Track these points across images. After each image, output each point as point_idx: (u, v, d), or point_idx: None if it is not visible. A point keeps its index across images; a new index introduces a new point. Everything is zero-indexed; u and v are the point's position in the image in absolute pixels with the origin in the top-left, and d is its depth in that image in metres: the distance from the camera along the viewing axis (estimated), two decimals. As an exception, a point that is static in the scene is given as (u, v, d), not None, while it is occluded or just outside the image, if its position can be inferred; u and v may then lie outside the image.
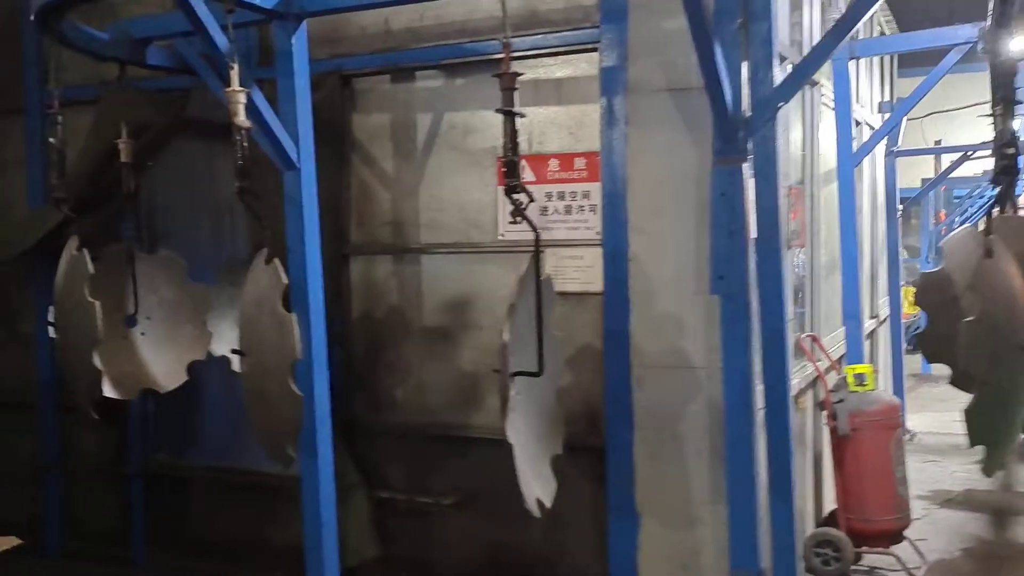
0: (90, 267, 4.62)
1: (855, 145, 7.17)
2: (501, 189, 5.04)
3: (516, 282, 4.04)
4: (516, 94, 4.07)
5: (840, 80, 6.87)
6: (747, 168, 3.94)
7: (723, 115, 3.78)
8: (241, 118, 4.14)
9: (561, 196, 4.98)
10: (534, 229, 4.12)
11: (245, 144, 4.18)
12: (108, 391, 4.80)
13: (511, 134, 4.07)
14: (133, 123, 5.76)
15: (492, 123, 5.11)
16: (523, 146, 4.98)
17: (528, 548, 5.17)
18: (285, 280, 4.29)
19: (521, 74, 4.13)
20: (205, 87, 5.00)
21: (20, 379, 6.70)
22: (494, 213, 5.15)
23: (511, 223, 4.98)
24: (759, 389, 4.12)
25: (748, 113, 3.92)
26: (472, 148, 5.20)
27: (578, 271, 4.92)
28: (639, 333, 4.71)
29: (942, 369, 4.53)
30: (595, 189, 4.90)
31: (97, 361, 4.50)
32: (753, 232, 4.04)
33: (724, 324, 3.99)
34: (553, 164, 4.99)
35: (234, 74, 4.01)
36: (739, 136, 3.83)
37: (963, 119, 12.50)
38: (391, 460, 5.51)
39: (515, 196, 4.06)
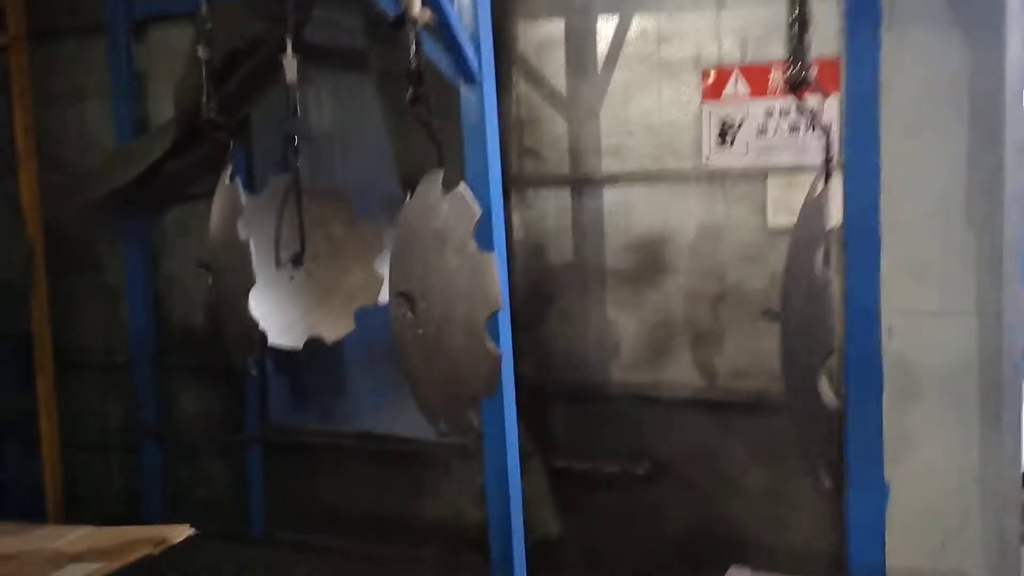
0: (243, 200, 3.84)
1: None
2: (706, 106, 4.32)
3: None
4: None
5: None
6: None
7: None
8: (418, 8, 3.36)
9: (785, 113, 4.21)
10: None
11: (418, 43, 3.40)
12: (274, 340, 4.05)
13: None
14: (240, 41, 5.00)
15: (694, 26, 4.34)
16: (735, 54, 4.28)
17: (737, 523, 4.50)
18: (478, 210, 3.48)
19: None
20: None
21: (105, 336, 5.95)
22: (696, 135, 4.37)
23: (719, 145, 4.30)
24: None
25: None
26: (668, 59, 4.40)
27: (809, 202, 4.16)
28: (890, 274, 3.98)
29: None
30: (829, 104, 4.13)
31: (254, 310, 3.74)
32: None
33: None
34: (775, 75, 4.21)
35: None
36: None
37: None
38: (566, 425, 4.80)
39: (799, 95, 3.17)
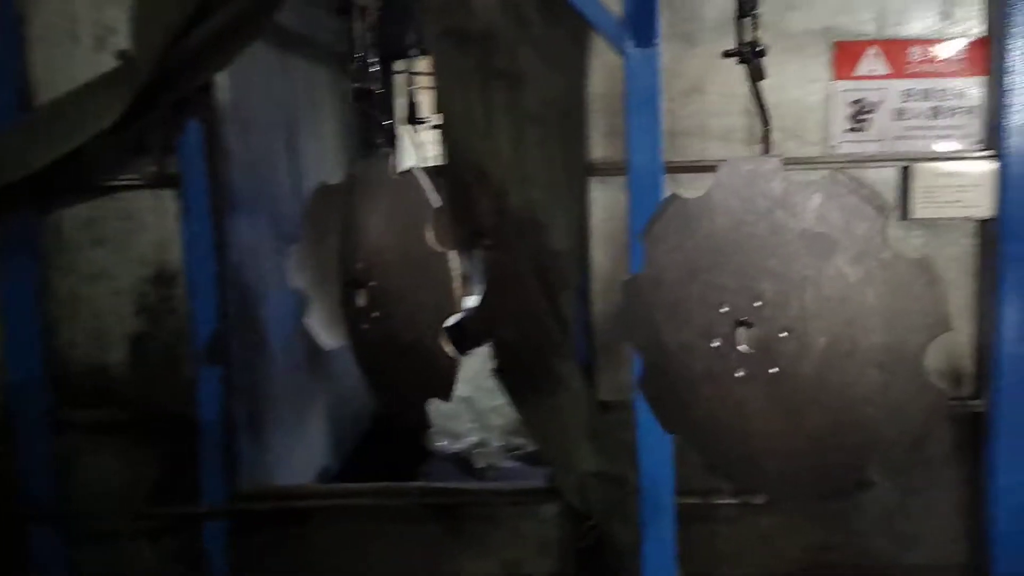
0: (432, 197, 2.71)
1: None
2: (836, 85, 3.87)
3: None
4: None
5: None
6: None
7: None
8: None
9: (925, 95, 3.86)
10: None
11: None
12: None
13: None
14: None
15: (825, -7, 3.86)
16: (871, 28, 3.87)
17: (859, 547, 4.10)
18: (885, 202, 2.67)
19: None
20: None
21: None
22: (823, 117, 3.89)
23: (849, 130, 3.88)
24: None
25: None
26: (792, 30, 3.87)
27: (958, 191, 3.85)
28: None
29: None
30: (973, 86, 3.85)
31: (447, 345, 2.66)
32: None
33: None
34: (915, 52, 3.84)
35: None
36: None
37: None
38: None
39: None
